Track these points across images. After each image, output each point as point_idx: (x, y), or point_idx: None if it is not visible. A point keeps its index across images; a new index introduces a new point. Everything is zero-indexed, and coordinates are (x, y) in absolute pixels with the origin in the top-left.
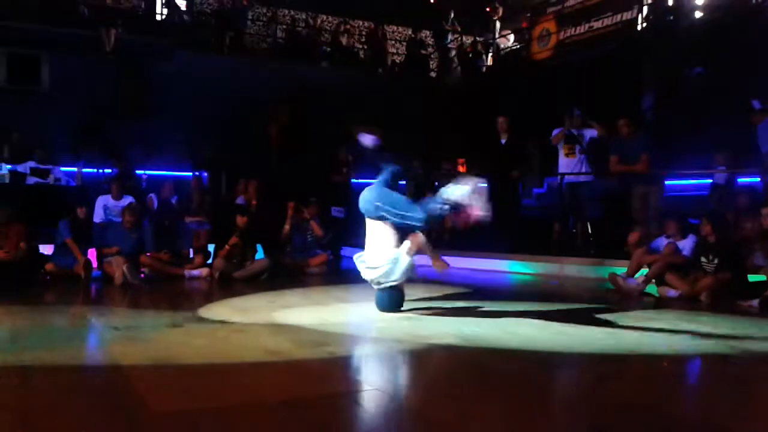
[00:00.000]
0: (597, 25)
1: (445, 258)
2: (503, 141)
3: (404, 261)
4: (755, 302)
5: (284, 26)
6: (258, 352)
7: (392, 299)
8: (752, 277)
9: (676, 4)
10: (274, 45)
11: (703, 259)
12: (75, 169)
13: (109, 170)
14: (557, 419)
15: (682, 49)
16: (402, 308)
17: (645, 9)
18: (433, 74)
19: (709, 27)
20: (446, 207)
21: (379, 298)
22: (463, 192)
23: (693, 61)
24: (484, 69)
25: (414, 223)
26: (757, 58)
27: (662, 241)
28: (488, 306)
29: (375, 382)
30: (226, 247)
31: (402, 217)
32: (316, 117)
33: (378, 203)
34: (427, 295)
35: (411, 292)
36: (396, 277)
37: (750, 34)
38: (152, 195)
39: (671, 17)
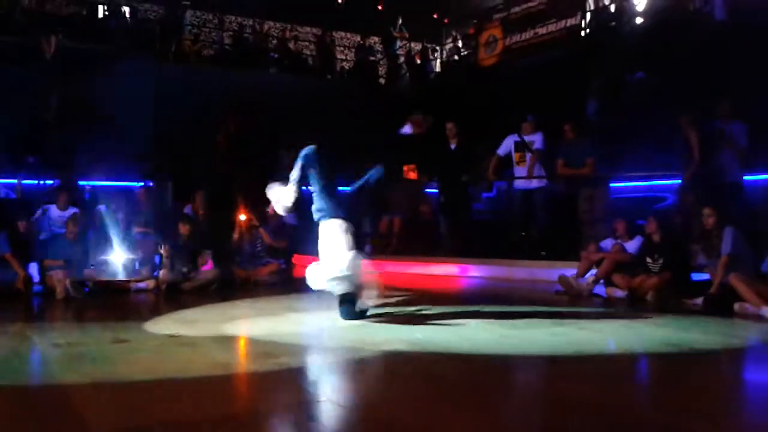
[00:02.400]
0: (542, 31)
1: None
2: (453, 146)
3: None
4: (699, 300)
5: (231, 33)
6: (206, 366)
7: (350, 309)
8: (696, 276)
9: (618, 11)
10: (221, 51)
11: (648, 259)
12: (14, 181)
13: (51, 181)
14: (509, 422)
15: (624, 54)
16: (366, 314)
17: (588, 15)
18: (381, 80)
19: (650, 32)
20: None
21: (341, 309)
22: None
23: (634, 66)
24: (432, 75)
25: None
26: (696, 62)
27: (610, 242)
28: (440, 310)
29: (327, 393)
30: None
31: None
32: (264, 124)
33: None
34: (379, 302)
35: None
36: (345, 288)
37: (689, 38)
38: (101, 207)
39: (613, 23)
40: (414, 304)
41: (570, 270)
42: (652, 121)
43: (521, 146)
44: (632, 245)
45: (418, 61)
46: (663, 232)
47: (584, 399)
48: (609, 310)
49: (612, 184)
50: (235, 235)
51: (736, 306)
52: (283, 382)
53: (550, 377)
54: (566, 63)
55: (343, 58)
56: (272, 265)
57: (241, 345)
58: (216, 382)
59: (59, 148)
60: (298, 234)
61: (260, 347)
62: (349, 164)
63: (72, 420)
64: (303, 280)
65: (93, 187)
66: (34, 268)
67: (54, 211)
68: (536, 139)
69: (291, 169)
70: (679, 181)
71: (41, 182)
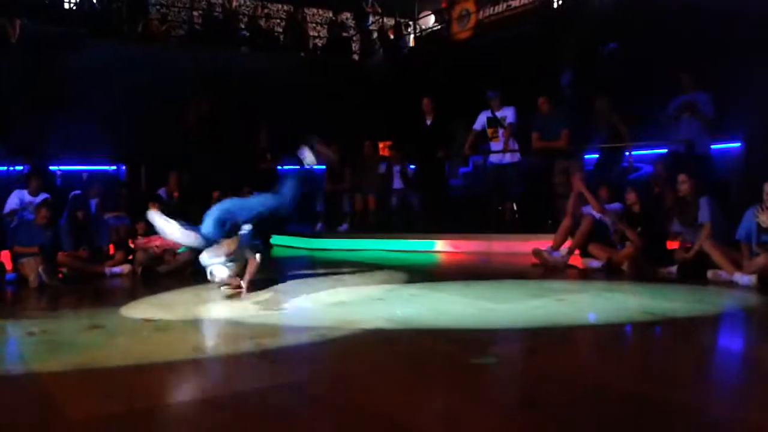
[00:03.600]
0: (515, 3)
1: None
2: (428, 122)
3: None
4: (674, 268)
5: (200, 12)
6: (184, 350)
7: None
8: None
9: None
10: (191, 31)
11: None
12: None
13: (20, 167)
14: (489, 395)
15: (596, 25)
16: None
17: None
18: (355, 57)
19: (622, 2)
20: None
21: None
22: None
23: (607, 37)
24: (406, 50)
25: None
26: (668, 31)
27: (589, 210)
28: (418, 287)
29: (305, 373)
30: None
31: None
32: (236, 104)
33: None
34: (358, 280)
35: (343, 278)
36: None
37: (661, 8)
38: (76, 192)
39: None
40: (393, 282)
41: (546, 243)
42: (625, 93)
43: (493, 122)
44: (611, 207)
45: (392, 37)
46: (642, 203)
47: (563, 371)
48: (585, 281)
49: (586, 156)
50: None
51: (710, 273)
52: (260, 363)
53: (531, 351)
54: (540, 36)
55: (316, 35)
56: None
57: (219, 327)
58: (193, 366)
59: (28, 134)
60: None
61: (237, 329)
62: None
63: (49, 408)
64: (279, 261)
65: (64, 171)
66: (6, 256)
67: (25, 196)
68: (508, 114)
69: (267, 147)
70: (654, 151)
71: (10, 168)
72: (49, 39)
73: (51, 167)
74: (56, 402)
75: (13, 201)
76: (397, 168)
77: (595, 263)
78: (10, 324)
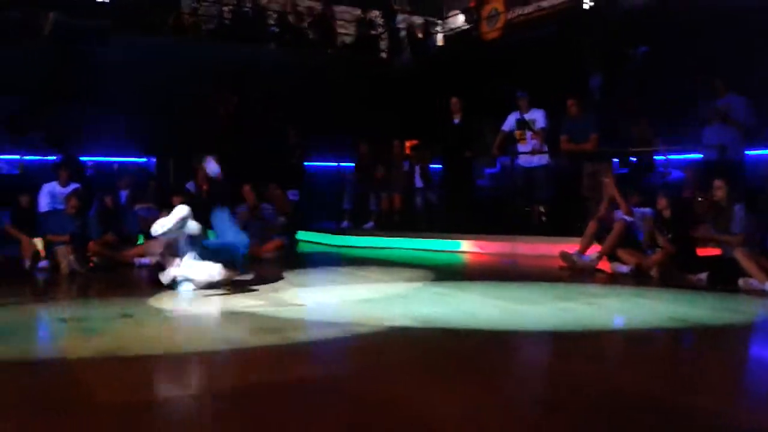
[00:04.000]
0: (545, 4)
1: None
2: (456, 121)
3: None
4: (703, 276)
5: (230, 7)
6: (211, 341)
7: None
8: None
9: None
10: (220, 26)
11: (657, 234)
12: (17, 157)
13: (53, 158)
14: (514, 397)
15: (627, 27)
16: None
17: None
18: (383, 55)
19: (653, 5)
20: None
21: None
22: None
23: (638, 39)
24: (434, 49)
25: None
26: (702, 34)
27: (620, 214)
28: (444, 286)
29: (332, 367)
30: None
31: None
32: (264, 99)
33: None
34: (383, 278)
35: (368, 275)
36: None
37: (692, 11)
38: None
39: None
40: (418, 281)
41: (573, 246)
42: (656, 96)
43: (522, 124)
44: (641, 212)
45: (420, 36)
46: (673, 209)
47: (589, 377)
48: (614, 285)
49: (616, 160)
50: (246, 211)
51: (741, 281)
52: (286, 356)
53: (557, 353)
54: (569, 37)
55: (344, 32)
56: (276, 242)
57: (246, 320)
58: (219, 357)
59: (61, 125)
60: (300, 210)
61: (264, 322)
62: (345, 139)
63: (78, 392)
64: (306, 256)
65: (95, 163)
66: (39, 244)
67: (56, 187)
68: (538, 117)
69: (296, 145)
70: (685, 156)
71: (43, 158)
72: (81, 32)
73: (82, 158)
74: (85, 387)
75: (44, 196)
76: (417, 167)
77: (624, 268)
78: (43, 310)
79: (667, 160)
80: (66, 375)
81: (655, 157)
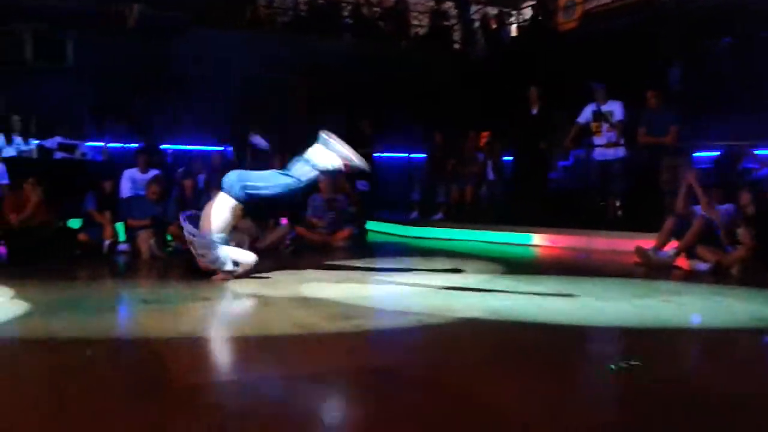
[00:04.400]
0: None
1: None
2: (534, 111)
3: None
4: None
5: None
6: (286, 325)
7: None
8: None
9: None
10: (296, 18)
11: (739, 230)
12: (101, 143)
13: (136, 145)
14: (588, 393)
15: (708, 19)
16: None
17: None
18: (456, 46)
19: None
20: (316, 172)
21: None
22: (332, 158)
23: (719, 31)
24: (508, 40)
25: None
26: None
27: (699, 210)
28: (515, 280)
29: (404, 356)
30: None
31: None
32: (338, 90)
33: (245, 182)
34: (453, 269)
35: (437, 266)
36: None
37: None
38: (180, 170)
39: None
40: (489, 273)
41: (649, 242)
42: (739, 89)
43: (598, 116)
44: (723, 208)
45: (494, 26)
46: (757, 205)
47: (665, 375)
48: (693, 283)
49: (695, 154)
50: (323, 198)
51: None
52: (359, 343)
53: (632, 351)
54: (649, 28)
55: (417, 23)
56: (347, 231)
57: (318, 306)
58: (294, 341)
59: (143, 114)
60: (370, 200)
61: (337, 309)
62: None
63: (160, 372)
64: (376, 246)
65: (175, 150)
66: (121, 228)
67: (136, 174)
68: (615, 109)
69: (371, 135)
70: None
71: (127, 146)
72: (163, 23)
73: (163, 146)
74: (167, 367)
75: (126, 182)
76: (490, 159)
77: (703, 266)
78: (125, 291)
79: (756, 155)
80: (148, 354)
81: (744, 152)
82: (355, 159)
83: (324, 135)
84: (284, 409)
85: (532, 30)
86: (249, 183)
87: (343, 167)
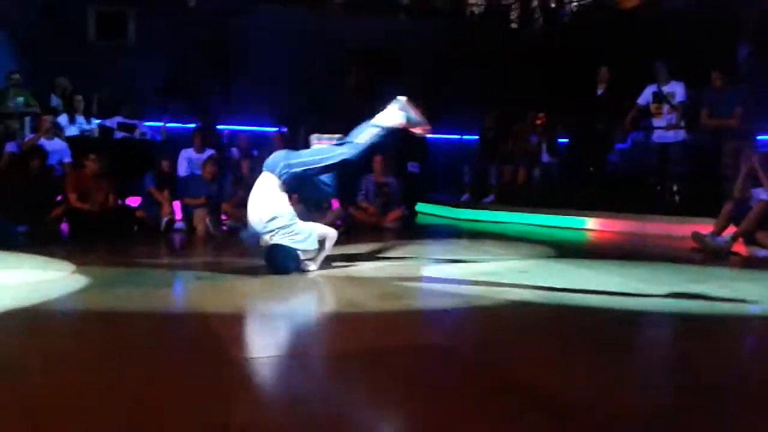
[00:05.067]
0: None
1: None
2: (600, 92)
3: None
4: None
5: None
6: (338, 303)
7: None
8: None
9: None
10: None
11: None
12: (160, 123)
13: (193, 125)
14: (638, 377)
15: None
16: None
17: None
18: (513, 25)
19: None
20: (381, 133)
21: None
22: (394, 116)
23: None
24: (567, 19)
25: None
26: None
27: (760, 194)
28: (567, 263)
29: (454, 337)
30: None
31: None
32: (394, 70)
33: (291, 160)
34: (503, 252)
35: (488, 249)
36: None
37: None
38: (233, 149)
39: None
40: (540, 257)
41: (707, 227)
42: None
43: (659, 97)
44: None
45: (553, 5)
46: None
47: (723, 363)
48: (751, 269)
49: (760, 137)
50: (378, 179)
51: None
52: (410, 322)
53: (688, 337)
54: (715, 6)
55: (474, 2)
56: (397, 212)
57: (368, 285)
58: (347, 319)
59: (200, 94)
60: (420, 181)
61: (387, 288)
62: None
63: (213, 344)
64: (426, 227)
65: (231, 131)
66: (177, 207)
67: (192, 153)
68: (677, 90)
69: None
70: None
71: (185, 126)
72: (222, 4)
73: (220, 127)
74: (222, 339)
75: (182, 161)
76: (545, 141)
77: (763, 252)
78: (181, 268)
79: None
80: (205, 330)
81: None
82: (422, 122)
83: (400, 98)
84: (332, 385)
85: (592, 9)
86: (297, 160)
87: (405, 125)
